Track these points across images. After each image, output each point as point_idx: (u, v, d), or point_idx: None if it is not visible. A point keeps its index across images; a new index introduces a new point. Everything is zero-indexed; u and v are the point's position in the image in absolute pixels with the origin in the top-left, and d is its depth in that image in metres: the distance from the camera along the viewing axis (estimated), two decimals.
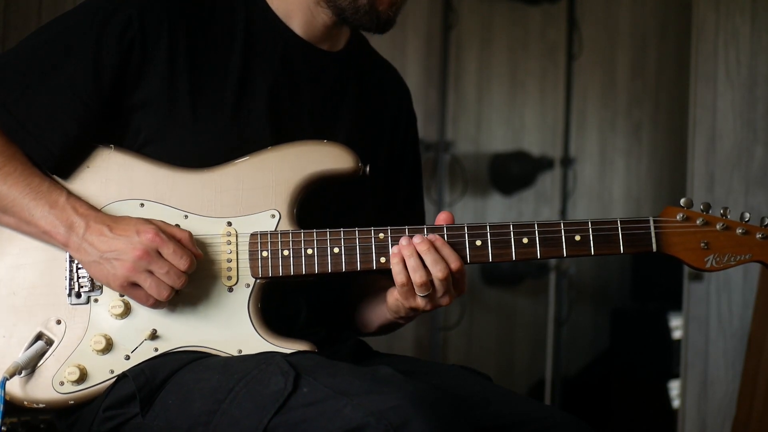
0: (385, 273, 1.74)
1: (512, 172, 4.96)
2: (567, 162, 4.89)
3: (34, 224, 1.68)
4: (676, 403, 4.70)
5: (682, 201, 1.73)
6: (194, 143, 1.74)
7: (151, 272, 1.64)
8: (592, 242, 1.71)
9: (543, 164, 4.99)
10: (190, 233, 1.69)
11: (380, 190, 1.95)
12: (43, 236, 1.69)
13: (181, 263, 1.65)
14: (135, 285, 1.66)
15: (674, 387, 4.80)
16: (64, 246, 1.68)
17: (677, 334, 4.84)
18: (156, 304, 1.68)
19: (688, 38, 3.92)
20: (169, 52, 1.74)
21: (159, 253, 1.64)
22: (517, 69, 5.14)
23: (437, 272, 1.67)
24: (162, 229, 1.66)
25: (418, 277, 1.67)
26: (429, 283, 1.68)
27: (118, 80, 1.73)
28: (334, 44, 1.89)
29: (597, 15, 5.23)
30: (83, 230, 1.66)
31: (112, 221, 1.67)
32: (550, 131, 5.07)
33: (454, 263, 1.68)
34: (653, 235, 1.72)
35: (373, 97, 1.96)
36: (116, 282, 1.66)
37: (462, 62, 4.91)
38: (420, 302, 1.71)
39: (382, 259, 1.72)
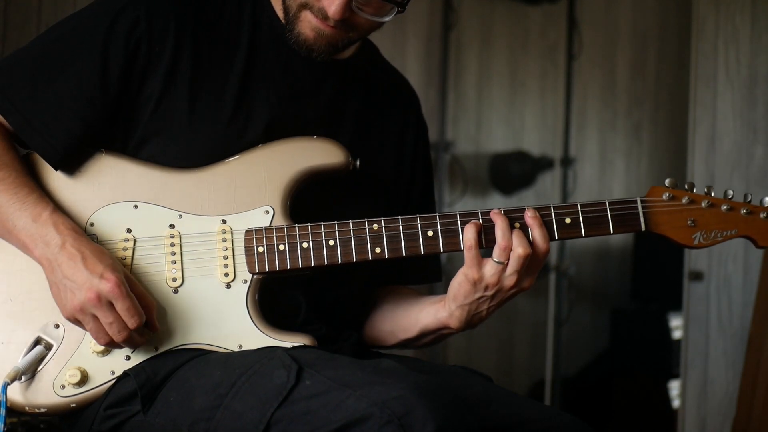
0: (383, 265, 1.76)
1: (512, 172, 4.96)
2: (567, 162, 4.88)
3: (14, 235, 1.68)
4: (676, 403, 4.70)
5: (667, 181, 1.77)
6: (188, 147, 1.75)
7: (96, 317, 1.64)
8: (582, 224, 1.73)
9: (543, 164, 4.99)
10: (155, 306, 1.69)
11: (387, 196, 1.93)
12: (23, 248, 1.69)
13: (131, 322, 1.63)
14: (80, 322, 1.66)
15: (674, 387, 4.80)
16: (38, 261, 1.68)
17: (677, 334, 4.84)
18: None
19: (688, 38, 3.92)
20: (174, 54, 1.74)
21: (111, 304, 1.63)
22: (517, 69, 5.14)
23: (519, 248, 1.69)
24: (129, 282, 1.65)
25: (504, 241, 1.68)
26: (509, 249, 1.69)
27: (124, 80, 1.73)
28: (341, 53, 1.87)
29: (597, 15, 5.23)
30: (57, 249, 1.65)
31: (89, 251, 1.65)
32: (550, 131, 5.07)
33: (541, 244, 1.70)
34: (641, 214, 1.75)
35: (379, 107, 1.95)
36: (64, 312, 1.66)
37: (462, 62, 4.91)
38: (487, 270, 1.70)
39: (377, 250, 1.73)
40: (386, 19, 1.75)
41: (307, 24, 1.75)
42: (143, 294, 1.67)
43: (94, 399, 1.70)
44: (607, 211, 1.74)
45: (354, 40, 1.81)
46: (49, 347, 1.71)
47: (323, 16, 1.72)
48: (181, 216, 1.74)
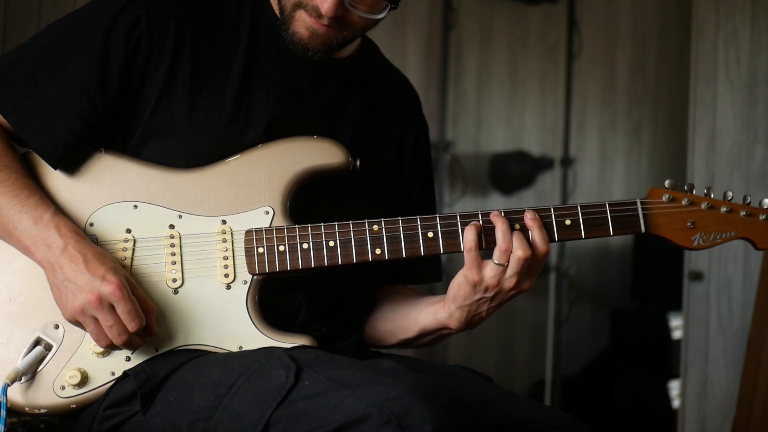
0: (384, 265, 1.76)
1: (512, 172, 4.96)
2: (567, 162, 4.88)
3: (15, 237, 1.68)
4: (676, 403, 4.70)
5: (667, 182, 1.77)
6: (188, 147, 1.74)
7: (96, 319, 1.64)
8: (582, 226, 1.74)
9: (543, 164, 4.99)
10: (155, 310, 1.68)
11: (387, 195, 1.94)
12: (24, 251, 1.69)
13: (131, 325, 1.63)
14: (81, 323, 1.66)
15: (674, 387, 4.80)
16: (39, 264, 1.67)
17: (677, 334, 4.84)
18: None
19: (688, 38, 3.92)
20: (173, 54, 1.74)
21: (112, 306, 1.62)
22: (517, 69, 5.14)
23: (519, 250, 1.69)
24: (130, 286, 1.65)
25: (504, 244, 1.69)
26: (509, 251, 1.69)
27: (124, 79, 1.73)
28: (340, 52, 1.87)
29: (597, 15, 5.23)
30: (59, 251, 1.65)
31: (90, 253, 1.65)
32: (550, 131, 5.07)
33: (540, 246, 1.71)
34: (641, 216, 1.75)
35: (379, 105, 1.95)
36: (65, 314, 1.65)
37: (462, 62, 4.91)
38: (487, 272, 1.70)
39: (378, 251, 1.73)
40: (380, 16, 1.76)
41: (302, 23, 1.75)
42: (144, 298, 1.67)
43: (94, 399, 1.70)
44: (607, 213, 1.74)
45: (349, 39, 1.81)
46: (48, 348, 1.70)
47: (317, 14, 1.72)
48: (180, 216, 1.74)
